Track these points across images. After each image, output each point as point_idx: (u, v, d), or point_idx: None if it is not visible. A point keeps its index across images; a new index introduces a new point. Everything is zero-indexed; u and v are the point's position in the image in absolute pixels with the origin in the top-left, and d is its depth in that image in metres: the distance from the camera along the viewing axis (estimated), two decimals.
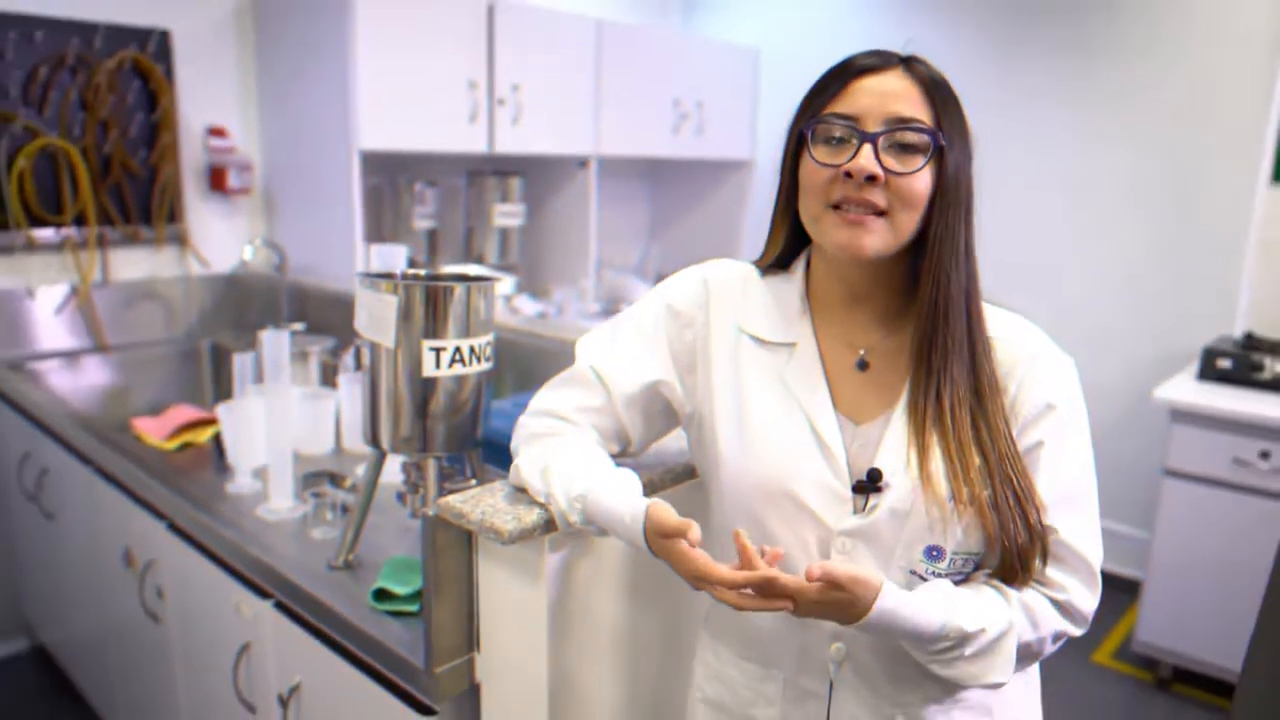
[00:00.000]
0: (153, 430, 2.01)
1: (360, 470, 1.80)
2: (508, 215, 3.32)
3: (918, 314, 0.96)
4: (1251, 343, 2.89)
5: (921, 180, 0.92)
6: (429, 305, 1.25)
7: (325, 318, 2.64)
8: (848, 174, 0.91)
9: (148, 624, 1.87)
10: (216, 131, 2.88)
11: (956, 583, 0.96)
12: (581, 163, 3.45)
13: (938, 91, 0.93)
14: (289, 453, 1.64)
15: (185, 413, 2.07)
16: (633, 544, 0.97)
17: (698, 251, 4.11)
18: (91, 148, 2.64)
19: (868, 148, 0.91)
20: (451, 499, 1.13)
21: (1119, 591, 3.22)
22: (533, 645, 1.14)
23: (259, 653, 1.52)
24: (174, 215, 2.83)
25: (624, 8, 4.06)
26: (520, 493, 1.12)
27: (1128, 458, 3.26)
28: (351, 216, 2.71)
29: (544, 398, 1.13)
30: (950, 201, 0.93)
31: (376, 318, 1.26)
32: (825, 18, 3.99)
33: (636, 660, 1.29)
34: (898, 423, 0.97)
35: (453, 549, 1.17)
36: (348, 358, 2.09)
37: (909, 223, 0.93)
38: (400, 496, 1.39)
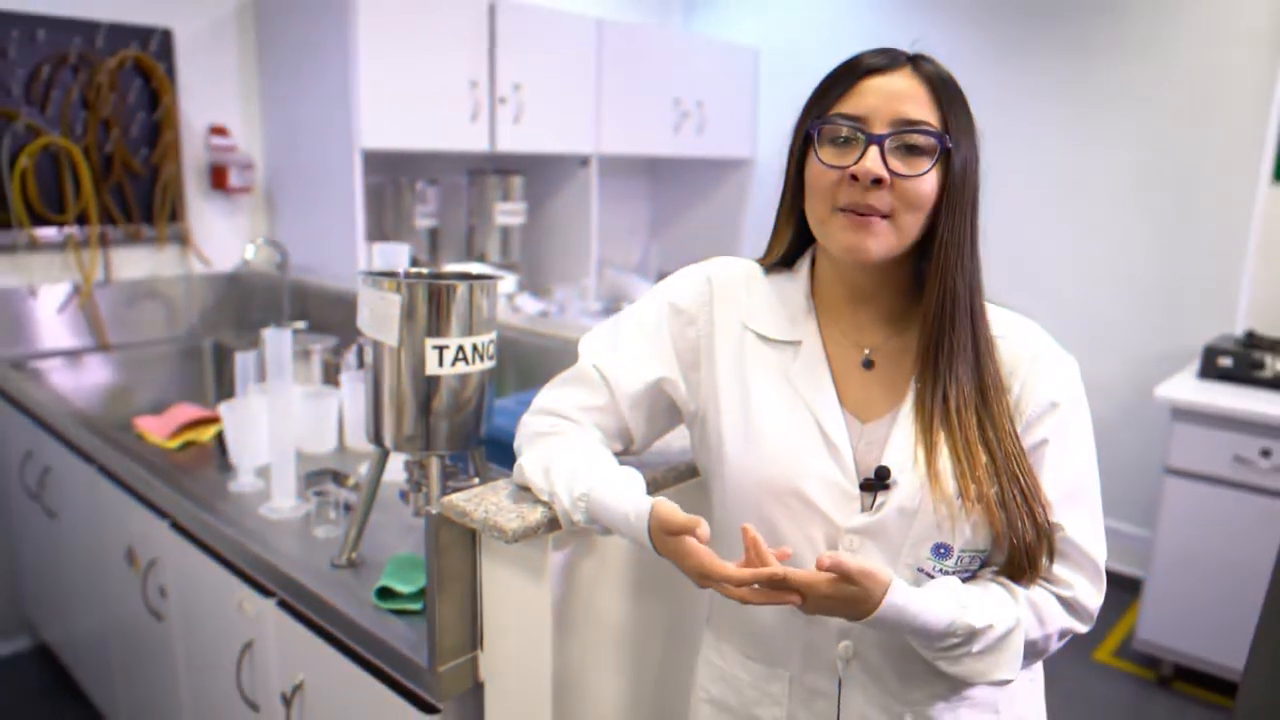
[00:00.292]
0: (155, 429, 2.01)
1: (362, 469, 1.81)
2: (509, 214, 3.32)
3: (924, 315, 0.96)
4: (1252, 341, 2.89)
5: (928, 183, 0.92)
6: (432, 304, 1.25)
7: (326, 316, 2.64)
8: (854, 176, 0.91)
9: (150, 622, 1.87)
10: (218, 130, 2.88)
11: (963, 580, 0.96)
12: (583, 161, 3.45)
13: (945, 91, 0.93)
14: (291, 451, 1.64)
15: (188, 411, 2.07)
16: (637, 542, 0.97)
17: (698, 250, 4.11)
18: (93, 146, 2.64)
19: (874, 150, 0.90)
20: (455, 497, 1.13)
21: (1120, 589, 3.22)
22: (536, 644, 1.14)
23: (262, 651, 1.53)
24: (175, 214, 2.83)
25: (625, 7, 4.06)
26: (524, 491, 1.12)
27: (1129, 456, 3.26)
28: (353, 215, 2.71)
29: (547, 396, 1.13)
30: (956, 203, 0.93)
31: (380, 316, 1.26)
32: (825, 17, 3.99)
33: (640, 659, 1.30)
34: (904, 421, 0.97)
35: (456, 547, 1.17)
36: (350, 356, 2.09)
37: (915, 225, 0.93)
38: (403, 494, 1.39)
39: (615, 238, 4.12)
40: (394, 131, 2.74)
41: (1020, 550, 0.93)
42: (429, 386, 1.27)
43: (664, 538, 0.93)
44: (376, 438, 1.33)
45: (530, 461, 1.09)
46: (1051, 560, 0.96)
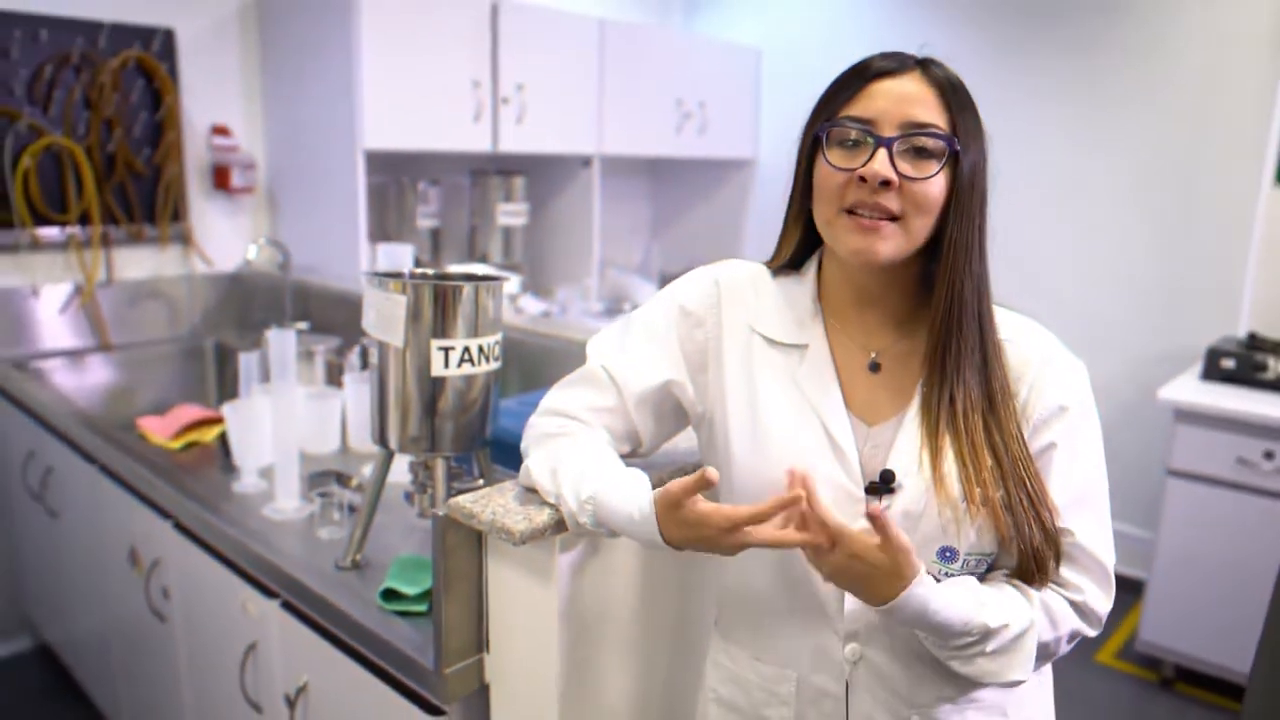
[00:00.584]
0: (158, 429, 2.01)
1: (366, 470, 1.81)
2: (511, 214, 3.32)
3: (931, 318, 0.96)
4: (1255, 343, 2.89)
5: (936, 185, 0.92)
6: (438, 305, 1.25)
7: (328, 317, 2.64)
8: (862, 179, 0.91)
9: (153, 623, 1.87)
10: (220, 130, 2.88)
11: None
12: (585, 162, 3.45)
13: (954, 95, 0.93)
14: (295, 452, 1.64)
15: (190, 412, 2.07)
16: (647, 541, 0.96)
17: (700, 250, 4.12)
18: (96, 146, 2.63)
19: (882, 152, 0.90)
20: (462, 499, 1.13)
21: (1122, 591, 3.20)
22: (543, 646, 1.14)
23: (265, 652, 1.52)
24: (178, 214, 2.83)
25: (626, 7, 4.06)
26: (531, 493, 1.12)
27: (1131, 458, 3.26)
28: (355, 215, 2.71)
29: (555, 397, 1.13)
30: (964, 206, 0.93)
31: (385, 317, 1.26)
32: (826, 18, 3.99)
33: (647, 661, 1.29)
34: (910, 425, 0.97)
35: (463, 549, 1.16)
36: (353, 357, 2.09)
37: (923, 228, 0.93)
38: (408, 496, 1.39)
39: (617, 238, 4.12)
40: (396, 132, 2.74)
41: (1028, 555, 0.93)
42: (434, 388, 1.27)
43: (675, 517, 0.91)
44: (381, 439, 1.33)
45: (537, 463, 1.09)
46: (1059, 564, 0.96)
